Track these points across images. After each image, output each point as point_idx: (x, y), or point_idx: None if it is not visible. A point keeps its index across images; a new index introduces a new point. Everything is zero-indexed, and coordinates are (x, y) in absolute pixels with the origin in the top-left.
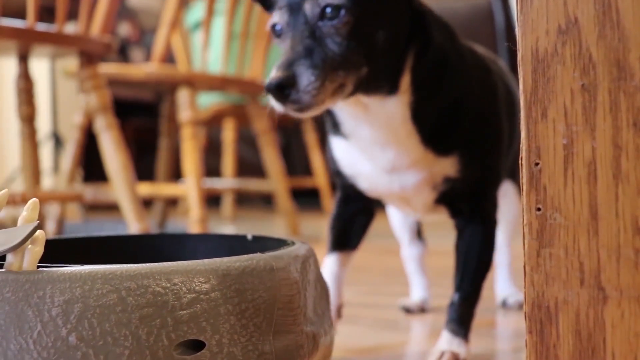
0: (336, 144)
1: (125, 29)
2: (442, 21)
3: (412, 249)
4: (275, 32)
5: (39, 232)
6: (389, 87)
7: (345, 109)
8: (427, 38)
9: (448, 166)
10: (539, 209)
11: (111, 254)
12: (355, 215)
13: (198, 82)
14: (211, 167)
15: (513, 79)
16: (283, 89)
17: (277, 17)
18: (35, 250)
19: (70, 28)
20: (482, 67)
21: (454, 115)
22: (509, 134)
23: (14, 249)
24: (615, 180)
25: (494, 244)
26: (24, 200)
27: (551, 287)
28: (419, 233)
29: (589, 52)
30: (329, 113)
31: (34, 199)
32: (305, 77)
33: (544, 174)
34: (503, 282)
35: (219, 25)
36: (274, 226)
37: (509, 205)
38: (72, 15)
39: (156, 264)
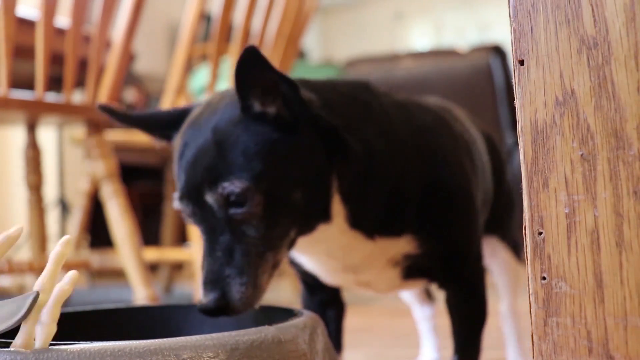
0: None
1: (131, 95)
2: (358, 99)
3: (423, 310)
4: (185, 215)
5: (52, 310)
6: (322, 220)
7: None
8: (345, 149)
9: (404, 245)
10: (544, 278)
11: (119, 327)
12: (325, 310)
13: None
14: None
15: (475, 124)
16: (219, 311)
17: (182, 207)
18: (48, 328)
19: (77, 97)
20: (419, 131)
21: (397, 202)
22: (482, 190)
23: (18, 322)
24: (618, 248)
25: (482, 300)
26: (31, 268)
27: (559, 356)
28: (428, 293)
29: (587, 123)
30: None
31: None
32: (236, 291)
33: (548, 243)
34: (513, 353)
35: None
36: (280, 288)
37: (501, 267)
38: (79, 81)
39: (164, 339)
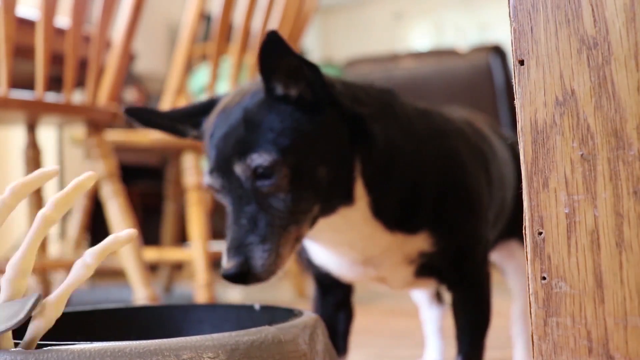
0: None
1: (131, 95)
2: (382, 99)
3: (432, 311)
4: (214, 190)
5: (100, 251)
6: (345, 202)
7: None
8: (369, 136)
9: (420, 242)
10: (544, 278)
11: (119, 327)
12: (336, 313)
13: (203, 147)
14: (217, 229)
15: (497, 135)
16: (241, 277)
17: (211, 181)
18: (87, 271)
19: (77, 97)
20: (437, 135)
21: (415, 197)
22: (493, 194)
23: (19, 324)
24: (618, 248)
25: (487, 302)
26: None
27: (559, 356)
28: (438, 295)
29: (587, 123)
30: None
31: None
32: (259, 257)
33: (548, 243)
34: (520, 355)
35: (223, 89)
36: (280, 288)
37: (518, 269)
38: (80, 81)
39: (164, 340)
